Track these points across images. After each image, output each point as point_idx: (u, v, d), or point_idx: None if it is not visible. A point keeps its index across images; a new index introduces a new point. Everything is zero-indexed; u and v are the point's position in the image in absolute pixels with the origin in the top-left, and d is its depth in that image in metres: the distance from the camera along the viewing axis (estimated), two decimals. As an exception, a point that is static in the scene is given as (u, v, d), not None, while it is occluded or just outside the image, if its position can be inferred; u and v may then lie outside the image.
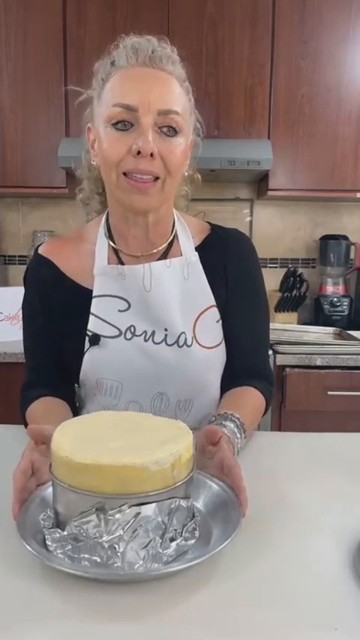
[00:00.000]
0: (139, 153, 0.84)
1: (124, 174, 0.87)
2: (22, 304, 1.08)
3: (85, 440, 0.64)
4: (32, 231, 2.59)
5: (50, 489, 0.67)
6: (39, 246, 1.07)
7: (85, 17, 2.21)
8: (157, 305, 0.97)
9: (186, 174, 0.97)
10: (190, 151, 0.96)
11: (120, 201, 0.93)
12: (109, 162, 0.87)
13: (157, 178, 0.87)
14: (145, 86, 0.85)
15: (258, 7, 2.20)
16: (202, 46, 2.21)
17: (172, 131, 0.87)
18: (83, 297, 0.99)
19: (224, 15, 2.20)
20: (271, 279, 2.57)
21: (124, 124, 0.85)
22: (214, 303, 1.01)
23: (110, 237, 1.01)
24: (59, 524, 0.63)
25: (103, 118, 0.88)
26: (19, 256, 2.67)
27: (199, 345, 0.99)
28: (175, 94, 0.87)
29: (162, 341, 0.98)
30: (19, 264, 2.67)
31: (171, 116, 0.86)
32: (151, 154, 0.84)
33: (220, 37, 2.21)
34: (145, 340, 0.98)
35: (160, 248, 1.00)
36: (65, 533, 0.61)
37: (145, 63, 0.86)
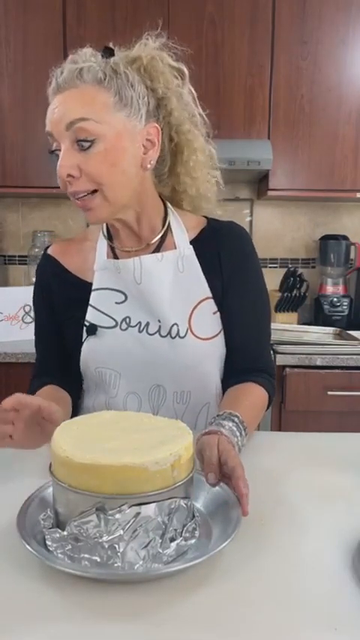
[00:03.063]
0: (62, 179, 0.89)
1: None
2: (32, 298, 1.14)
3: (85, 440, 0.64)
4: (32, 231, 2.59)
5: (50, 489, 0.67)
6: (49, 246, 1.13)
7: (85, 17, 2.21)
8: (149, 297, 1.00)
9: (149, 166, 0.94)
10: (154, 141, 0.94)
11: None
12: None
13: (94, 191, 0.90)
14: (55, 108, 0.90)
15: (258, 7, 2.20)
16: (202, 46, 2.21)
17: (86, 142, 0.88)
18: (84, 289, 1.04)
19: (224, 15, 2.20)
20: (271, 279, 2.56)
21: (57, 151, 0.91)
22: (210, 295, 1.03)
23: (109, 235, 1.06)
24: (59, 524, 0.63)
25: None
26: (19, 256, 2.67)
27: (195, 336, 1.01)
28: (79, 103, 0.88)
29: (156, 332, 1.01)
30: (19, 264, 2.67)
31: (78, 125, 0.87)
32: (71, 176, 0.88)
33: (220, 37, 2.21)
34: (140, 331, 1.01)
35: (151, 242, 1.03)
36: (65, 533, 0.61)
37: (55, 92, 0.91)
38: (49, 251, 1.11)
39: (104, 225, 1.06)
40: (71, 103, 0.88)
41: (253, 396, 1.01)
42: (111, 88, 0.90)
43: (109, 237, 1.06)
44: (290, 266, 2.49)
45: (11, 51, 2.23)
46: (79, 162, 0.88)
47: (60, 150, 0.90)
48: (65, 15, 2.21)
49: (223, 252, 1.04)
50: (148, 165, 0.95)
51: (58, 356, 1.10)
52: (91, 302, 1.03)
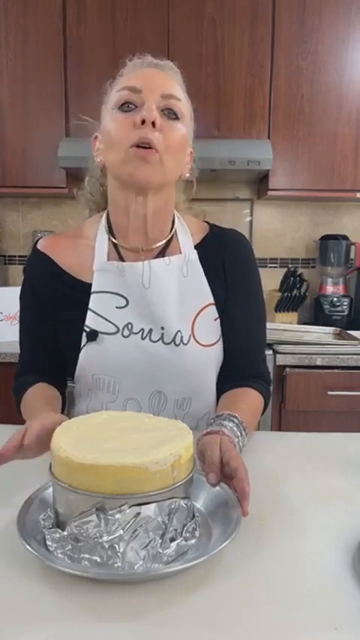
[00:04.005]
0: (143, 122, 0.88)
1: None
2: (20, 295, 1.10)
3: (86, 440, 0.64)
4: (32, 231, 2.59)
5: (50, 489, 0.67)
6: (38, 240, 1.08)
7: (85, 17, 2.21)
8: (155, 302, 0.98)
9: (187, 175, 1.00)
10: (190, 153, 1.01)
11: (123, 176, 0.93)
12: (114, 140, 0.91)
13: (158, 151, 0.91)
14: (150, 75, 0.93)
15: (258, 7, 2.20)
16: (202, 46, 2.20)
17: (174, 114, 0.92)
18: (81, 290, 1.00)
19: (224, 15, 2.20)
20: (271, 279, 2.57)
21: (128, 106, 0.91)
22: (213, 301, 1.02)
23: (111, 232, 1.02)
24: (59, 524, 0.63)
25: (111, 106, 0.94)
26: (19, 256, 2.68)
27: (197, 342, 1.00)
28: (176, 87, 0.94)
29: (159, 339, 0.99)
30: (19, 264, 2.67)
31: (173, 101, 0.92)
32: (153, 124, 0.88)
33: (220, 37, 2.21)
34: (142, 338, 0.99)
35: (158, 244, 1.01)
36: (65, 533, 0.61)
37: (150, 65, 0.95)
38: (39, 246, 1.05)
39: (104, 219, 1.03)
40: (170, 80, 0.94)
41: (250, 399, 1.01)
42: (188, 99, 0.98)
43: (112, 235, 1.02)
44: (290, 266, 2.49)
45: (11, 51, 2.23)
46: (162, 124, 0.90)
47: (132, 105, 0.91)
48: (65, 15, 2.21)
49: (226, 258, 1.04)
50: (187, 175, 1.01)
51: (47, 356, 1.07)
52: (90, 306, 0.99)
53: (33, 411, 0.93)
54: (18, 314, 2.15)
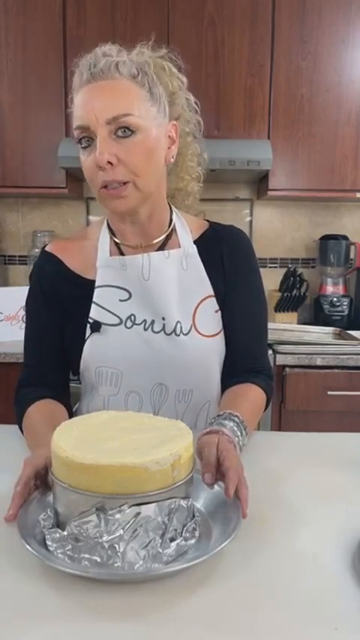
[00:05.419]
0: (101, 167, 0.89)
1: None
2: (26, 301, 1.10)
3: (86, 440, 0.65)
4: (32, 231, 2.59)
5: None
6: (46, 245, 1.11)
7: (85, 17, 2.21)
8: (156, 294, 1.01)
9: (172, 159, 0.98)
10: (174, 138, 0.98)
11: (107, 210, 0.98)
12: (87, 179, 0.95)
13: (127, 182, 0.91)
14: (91, 102, 0.89)
15: (258, 7, 2.20)
16: (202, 46, 2.20)
17: (127, 131, 0.89)
18: (86, 287, 1.03)
19: (224, 15, 2.20)
20: (271, 279, 2.57)
21: (86, 140, 0.91)
22: (212, 294, 1.04)
23: (112, 232, 1.05)
24: (59, 524, 0.63)
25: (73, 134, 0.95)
26: (19, 256, 2.67)
27: (199, 333, 1.02)
28: (120, 97, 0.90)
29: (161, 330, 1.01)
30: (19, 264, 2.67)
31: (121, 120, 0.88)
32: (110, 163, 0.88)
33: (220, 37, 2.21)
34: (145, 329, 1.01)
35: (157, 240, 1.03)
36: (65, 533, 0.61)
37: (89, 80, 0.90)
38: (48, 249, 1.08)
39: (106, 221, 1.07)
40: (111, 95, 0.89)
41: (252, 396, 1.02)
42: (144, 84, 0.92)
43: (113, 234, 1.05)
44: (290, 266, 2.49)
45: (11, 51, 2.23)
46: (117, 151, 0.89)
47: (88, 139, 0.90)
48: (65, 15, 2.21)
49: (225, 252, 1.06)
50: (172, 159, 0.99)
51: (54, 362, 1.07)
52: (94, 299, 1.02)
53: (34, 437, 0.91)
54: (18, 314, 2.15)
